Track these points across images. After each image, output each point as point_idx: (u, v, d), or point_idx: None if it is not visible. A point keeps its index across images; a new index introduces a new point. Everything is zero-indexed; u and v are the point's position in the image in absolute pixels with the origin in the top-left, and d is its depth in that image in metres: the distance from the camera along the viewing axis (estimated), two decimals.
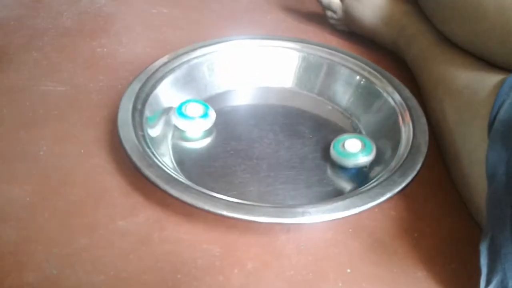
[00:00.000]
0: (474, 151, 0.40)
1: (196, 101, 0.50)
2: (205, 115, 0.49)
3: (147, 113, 0.47)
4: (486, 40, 0.46)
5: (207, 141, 0.49)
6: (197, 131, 0.49)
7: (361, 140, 0.46)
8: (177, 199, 0.38)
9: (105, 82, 0.55)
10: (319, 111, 0.54)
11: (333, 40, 0.66)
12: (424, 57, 0.54)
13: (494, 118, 0.38)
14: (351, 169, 0.46)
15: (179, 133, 0.49)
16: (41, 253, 0.37)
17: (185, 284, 0.36)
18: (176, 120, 0.48)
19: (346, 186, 0.45)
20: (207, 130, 0.49)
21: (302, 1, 0.76)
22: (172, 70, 0.52)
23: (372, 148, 0.46)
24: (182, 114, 0.48)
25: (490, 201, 0.35)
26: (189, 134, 0.49)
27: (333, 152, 0.46)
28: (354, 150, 0.45)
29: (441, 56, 0.51)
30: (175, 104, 0.50)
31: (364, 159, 0.45)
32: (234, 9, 0.73)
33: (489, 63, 0.47)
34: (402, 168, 0.42)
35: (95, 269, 0.36)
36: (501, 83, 0.41)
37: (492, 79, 0.43)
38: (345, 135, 0.47)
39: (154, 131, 0.47)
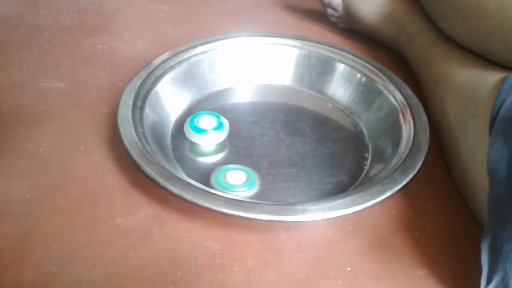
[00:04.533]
0: (475, 149, 0.40)
1: (209, 113, 0.49)
2: (218, 126, 0.47)
3: (147, 110, 0.47)
4: (486, 38, 0.46)
5: None
6: (210, 144, 0.48)
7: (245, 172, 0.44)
8: (177, 196, 0.38)
9: (105, 79, 0.55)
10: (320, 109, 0.54)
11: (334, 38, 0.66)
12: (425, 55, 0.54)
13: (496, 116, 0.38)
14: None
15: (192, 146, 0.48)
16: (41, 250, 0.37)
17: (185, 281, 0.36)
18: (189, 134, 0.47)
19: (347, 184, 0.45)
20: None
21: None
22: (172, 67, 0.52)
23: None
24: (194, 128, 0.47)
25: (492, 200, 0.35)
26: (203, 148, 0.48)
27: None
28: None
29: (442, 54, 0.51)
30: (177, 105, 0.50)
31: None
32: (234, 7, 0.73)
33: (490, 61, 0.47)
34: (403, 166, 0.42)
35: (95, 265, 0.36)
36: (502, 81, 0.41)
37: (493, 77, 0.43)
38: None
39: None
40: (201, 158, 0.47)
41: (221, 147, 0.47)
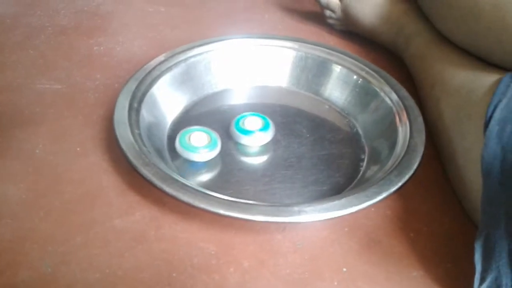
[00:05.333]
0: (470, 150, 0.41)
1: (255, 114, 0.49)
2: (265, 128, 0.48)
3: (144, 111, 0.47)
4: (482, 38, 0.46)
5: None
6: (256, 145, 0.48)
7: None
8: (173, 197, 0.38)
9: (101, 81, 0.55)
10: (316, 111, 0.54)
11: (331, 40, 0.67)
12: (421, 55, 0.54)
13: (490, 117, 0.38)
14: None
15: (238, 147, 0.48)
16: (36, 251, 0.37)
17: (181, 283, 0.36)
18: (235, 135, 0.48)
19: (343, 185, 0.45)
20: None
21: (300, 0, 0.76)
22: (169, 69, 0.52)
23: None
24: (240, 129, 0.47)
25: (485, 199, 0.35)
26: (250, 149, 0.48)
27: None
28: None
29: (438, 55, 0.51)
30: (174, 106, 0.50)
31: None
32: (231, 8, 0.73)
33: (486, 61, 0.47)
34: (399, 168, 0.42)
35: (91, 267, 0.36)
36: (498, 82, 0.41)
37: (488, 78, 0.43)
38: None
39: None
40: (197, 159, 0.47)
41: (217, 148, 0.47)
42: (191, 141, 0.45)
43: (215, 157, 0.46)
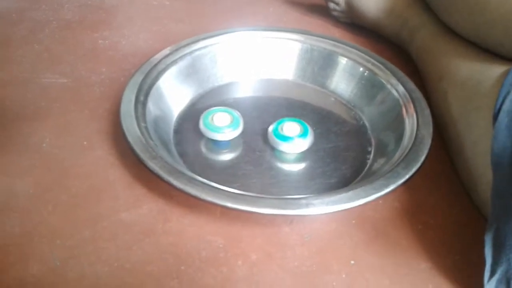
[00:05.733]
0: (479, 142, 0.40)
1: (293, 120, 0.48)
2: (304, 134, 0.46)
3: (150, 105, 0.47)
4: (489, 30, 0.46)
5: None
6: (295, 151, 0.47)
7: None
8: (180, 190, 0.38)
9: (107, 74, 0.55)
10: (322, 103, 0.54)
11: (336, 32, 0.66)
12: (427, 48, 0.53)
13: (499, 108, 0.38)
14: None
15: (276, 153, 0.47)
16: (45, 245, 0.37)
17: (189, 275, 0.36)
18: (274, 142, 0.46)
19: (350, 178, 0.45)
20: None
21: None
22: (175, 62, 0.52)
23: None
24: (279, 135, 0.46)
25: (495, 192, 0.35)
26: (287, 156, 0.47)
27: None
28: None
29: (444, 47, 0.51)
30: (179, 99, 0.50)
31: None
32: (235, 2, 0.72)
33: (493, 53, 0.46)
34: (406, 160, 0.42)
35: (99, 260, 0.36)
36: (506, 73, 0.41)
37: (496, 69, 0.43)
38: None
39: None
40: (204, 153, 0.47)
41: (225, 141, 0.47)
42: (214, 121, 0.46)
43: (221, 150, 0.46)
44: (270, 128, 0.47)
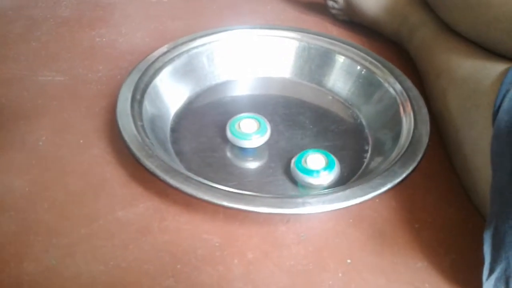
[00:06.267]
0: (478, 140, 0.40)
1: (318, 150, 0.44)
2: (329, 166, 0.43)
3: (146, 103, 0.47)
4: (490, 29, 0.46)
5: (206, 131, 0.49)
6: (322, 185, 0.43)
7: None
8: (176, 189, 0.38)
9: (104, 72, 0.55)
10: (320, 102, 0.54)
11: (334, 30, 0.66)
12: (427, 46, 0.53)
13: (499, 107, 0.38)
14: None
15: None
16: (41, 244, 0.37)
17: (185, 274, 0.36)
18: (297, 175, 0.43)
19: (347, 176, 0.45)
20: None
21: None
22: (172, 60, 0.51)
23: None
24: (304, 169, 0.43)
25: (495, 190, 0.35)
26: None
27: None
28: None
29: (444, 45, 0.51)
30: (176, 98, 0.50)
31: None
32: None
33: (492, 52, 0.46)
34: (403, 159, 0.42)
35: (95, 259, 0.36)
36: (505, 72, 0.41)
37: (496, 68, 0.43)
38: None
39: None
40: (201, 151, 0.46)
41: (223, 140, 0.47)
42: (241, 128, 0.45)
43: (218, 148, 0.46)
44: (293, 162, 0.44)
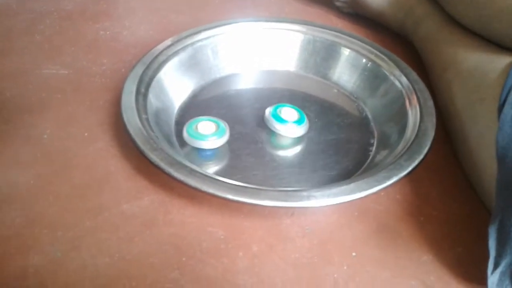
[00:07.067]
0: (483, 134, 0.40)
1: (292, 106, 0.48)
2: (300, 120, 0.47)
3: (151, 96, 0.46)
4: (494, 22, 0.46)
5: None
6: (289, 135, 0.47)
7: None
8: (181, 182, 0.38)
9: (108, 66, 0.55)
10: (325, 95, 0.53)
11: (339, 23, 0.66)
12: (432, 39, 0.53)
13: (505, 100, 0.38)
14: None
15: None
16: (46, 236, 0.37)
17: (190, 267, 0.36)
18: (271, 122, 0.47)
19: (352, 170, 0.44)
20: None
21: None
22: (176, 53, 0.51)
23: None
24: (277, 117, 0.47)
25: (500, 184, 0.35)
26: (288, 146, 0.47)
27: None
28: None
29: (449, 38, 0.51)
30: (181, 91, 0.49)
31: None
32: None
33: (498, 45, 0.46)
34: (409, 152, 0.41)
35: (100, 252, 0.36)
36: (511, 65, 0.40)
37: (502, 61, 0.42)
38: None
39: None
40: (206, 146, 0.46)
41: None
42: (198, 130, 0.45)
43: (223, 145, 0.46)
44: (269, 110, 0.47)
